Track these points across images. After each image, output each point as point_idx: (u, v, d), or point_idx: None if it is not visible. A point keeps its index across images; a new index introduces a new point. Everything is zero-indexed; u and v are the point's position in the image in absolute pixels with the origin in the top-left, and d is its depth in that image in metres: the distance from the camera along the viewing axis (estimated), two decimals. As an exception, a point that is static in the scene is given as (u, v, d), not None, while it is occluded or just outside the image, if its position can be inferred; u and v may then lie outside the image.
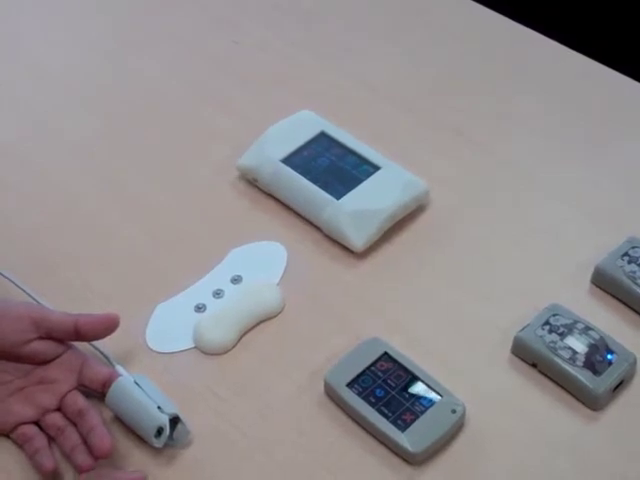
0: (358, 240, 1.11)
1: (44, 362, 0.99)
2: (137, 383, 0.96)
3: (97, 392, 0.98)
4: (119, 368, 0.99)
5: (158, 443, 0.94)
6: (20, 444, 0.96)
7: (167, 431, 0.94)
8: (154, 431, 0.94)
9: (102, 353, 1.01)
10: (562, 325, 1.01)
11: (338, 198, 1.13)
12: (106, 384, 0.97)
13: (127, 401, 0.96)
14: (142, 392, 0.95)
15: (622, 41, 2.22)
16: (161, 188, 1.21)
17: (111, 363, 1.00)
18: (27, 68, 1.40)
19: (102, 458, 0.93)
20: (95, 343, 1.01)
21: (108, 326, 0.99)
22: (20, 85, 1.38)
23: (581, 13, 2.29)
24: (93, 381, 0.98)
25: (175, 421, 0.95)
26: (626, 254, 1.07)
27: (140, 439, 0.96)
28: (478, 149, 1.25)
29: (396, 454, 0.95)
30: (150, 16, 1.49)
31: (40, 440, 0.95)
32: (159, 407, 0.94)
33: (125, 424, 0.97)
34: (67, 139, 1.29)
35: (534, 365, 1.01)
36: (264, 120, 1.24)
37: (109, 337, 0.99)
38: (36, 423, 0.97)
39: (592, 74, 1.36)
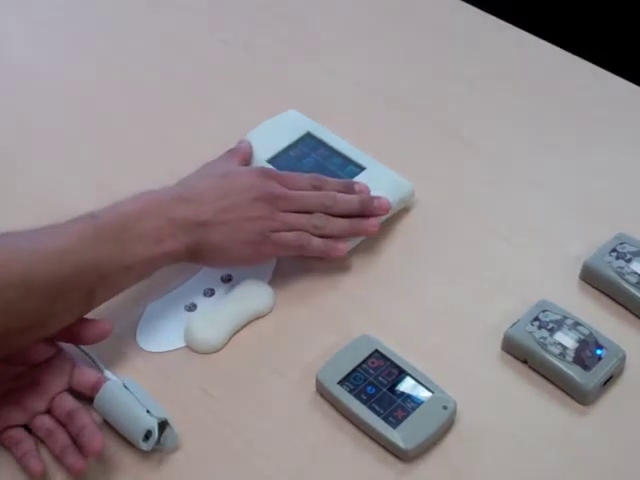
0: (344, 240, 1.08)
1: (34, 364, 0.96)
2: (126, 387, 0.93)
3: (86, 396, 0.95)
4: (107, 373, 0.96)
5: (146, 447, 0.91)
6: (8, 447, 0.93)
7: (155, 434, 0.90)
8: (142, 434, 0.90)
9: (90, 357, 0.98)
10: (552, 321, 0.99)
11: (323, 199, 1.11)
12: (95, 388, 0.94)
13: (115, 404, 0.92)
14: (131, 395, 0.92)
15: (614, 41, 2.21)
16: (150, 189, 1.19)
17: (99, 367, 0.97)
18: (13, 69, 1.38)
19: (93, 456, 0.90)
20: (84, 347, 0.98)
21: (102, 332, 0.96)
22: (6, 87, 1.36)
23: (568, 10, 2.28)
24: (82, 384, 0.95)
25: (163, 426, 0.92)
26: (614, 250, 1.05)
27: (130, 442, 0.93)
28: (466, 148, 1.23)
29: (388, 451, 0.93)
30: (136, 16, 1.46)
31: (28, 443, 0.93)
32: (148, 411, 0.91)
33: (113, 427, 0.94)
34: (54, 140, 1.27)
35: (524, 361, 0.99)
36: (251, 120, 1.21)
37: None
38: (25, 425, 0.94)
39: (584, 74, 1.33)
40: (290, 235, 1.03)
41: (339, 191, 1.07)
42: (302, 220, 1.04)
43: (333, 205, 1.06)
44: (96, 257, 0.93)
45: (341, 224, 1.06)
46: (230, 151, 1.14)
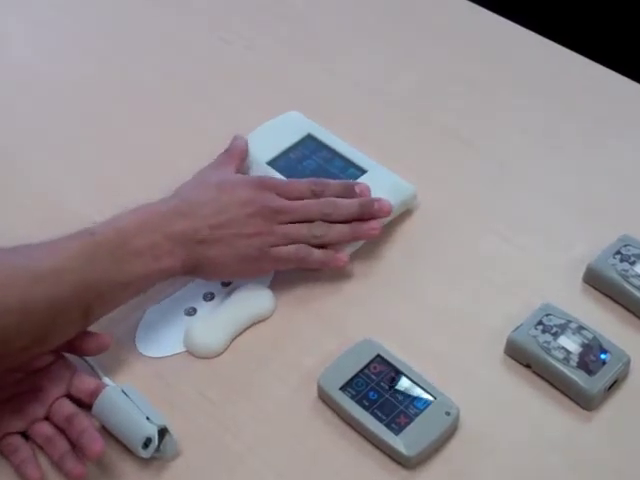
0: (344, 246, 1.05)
1: (34, 371, 0.93)
2: (125, 393, 0.90)
3: (85, 402, 0.92)
4: (106, 379, 0.93)
5: (145, 454, 0.88)
6: (6, 455, 0.90)
7: (155, 442, 0.87)
8: (142, 441, 0.87)
9: (89, 364, 0.95)
10: (555, 325, 0.96)
11: (323, 202, 1.08)
12: (94, 394, 0.91)
13: (115, 411, 0.89)
14: (130, 402, 0.89)
15: (616, 38, 2.18)
16: (148, 189, 1.14)
17: (98, 374, 0.94)
18: (13, 69, 1.35)
19: (93, 460, 0.88)
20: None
21: (102, 345, 0.94)
22: (6, 87, 1.32)
23: (570, 7, 2.25)
24: (82, 391, 0.92)
25: (163, 433, 0.88)
26: (618, 252, 1.01)
27: (129, 450, 0.90)
28: (466, 148, 1.19)
29: (391, 457, 0.90)
30: (136, 16, 1.43)
31: (26, 451, 0.90)
32: (148, 418, 0.88)
33: (112, 434, 0.90)
34: (54, 140, 1.23)
35: (528, 366, 0.95)
36: (252, 120, 1.18)
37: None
38: (23, 432, 0.91)
39: (586, 72, 1.30)
40: (290, 249, 1.00)
41: (339, 194, 1.04)
42: (302, 231, 1.01)
43: (333, 212, 1.02)
44: (94, 276, 0.91)
45: (341, 230, 1.02)
46: (226, 153, 1.10)
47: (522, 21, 1.36)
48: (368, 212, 1.03)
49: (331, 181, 1.06)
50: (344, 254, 1.03)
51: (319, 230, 1.01)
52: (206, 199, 1.00)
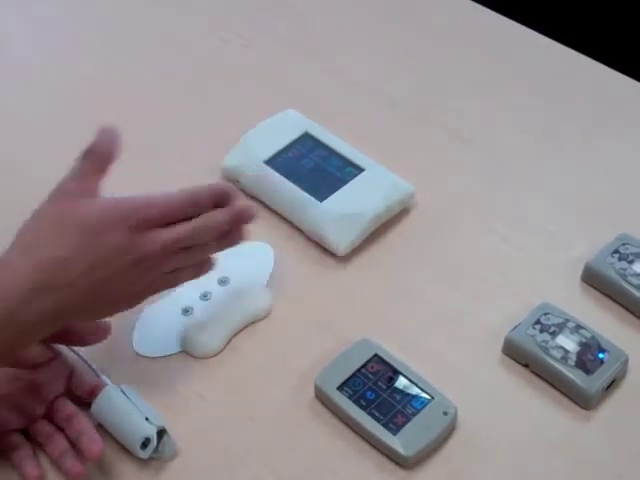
0: (340, 243, 1.04)
1: (33, 367, 0.92)
2: (124, 393, 0.89)
3: (84, 400, 0.92)
4: (105, 379, 0.92)
5: (144, 454, 0.87)
6: (6, 452, 0.90)
7: (154, 442, 0.87)
8: (140, 442, 0.87)
9: (88, 364, 0.94)
10: (553, 324, 0.95)
11: (321, 200, 1.06)
12: (93, 392, 0.90)
13: (114, 410, 0.89)
14: (129, 402, 0.88)
15: (617, 37, 2.17)
16: (148, 190, 1.15)
17: (96, 374, 0.93)
18: (13, 69, 1.34)
19: (92, 460, 0.87)
20: (81, 353, 0.94)
21: (98, 333, 0.92)
22: (6, 87, 1.32)
23: (570, 6, 2.24)
24: (81, 388, 0.92)
25: (161, 433, 0.88)
26: (616, 251, 1.01)
27: (127, 450, 0.89)
28: (466, 148, 1.19)
29: (389, 457, 0.89)
30: (136, 16, 1.42)
31: (26, 449, 0.89)
32: (147, 418, 0.87)
33: (110, 433, 0.90)
34: (54, 140, 1.22)
35: (526, 365, 0.95)
36: (251, 120, 1.17)
37: (95, 341, 0.93)
38: (23, 430, 0.91)
39: (586, 72, 1.29)
40: (163, 284, 0.93)
41: (214, 205, 0.93)
42: (178, 264, 0.92)
43: (206, 237, 0.93)
44: None
45: (212, 249, 0.95)
46: (88, 159, 0.92)
47: (522, 20, 1.35)
48: (237, 223, 0.95)
49: (203, 195, 0.93)
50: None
51: (192, 259, 0.93)
52: (71, 253, 0.83)
